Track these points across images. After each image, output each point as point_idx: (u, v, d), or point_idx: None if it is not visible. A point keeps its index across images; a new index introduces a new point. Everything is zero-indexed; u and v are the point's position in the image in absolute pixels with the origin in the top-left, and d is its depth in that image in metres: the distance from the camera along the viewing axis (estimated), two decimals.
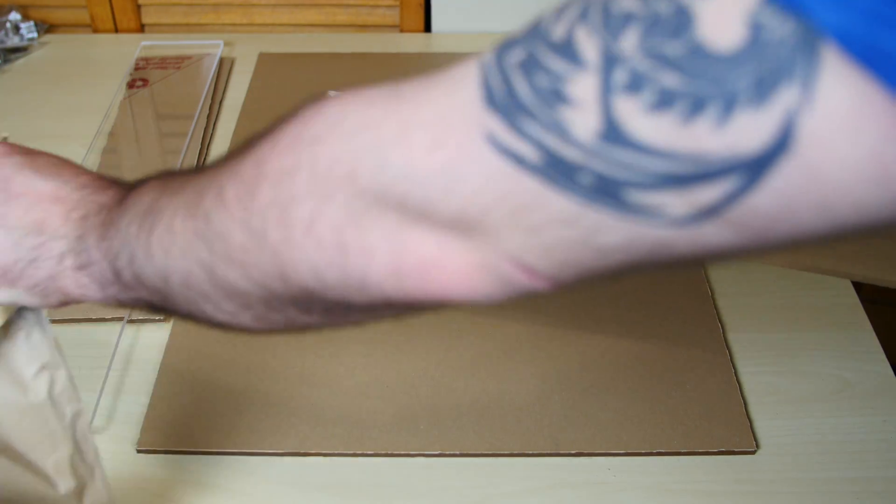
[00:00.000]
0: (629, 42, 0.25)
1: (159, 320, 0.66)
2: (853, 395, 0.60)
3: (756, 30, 0.23)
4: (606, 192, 0.26)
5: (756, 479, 0.55)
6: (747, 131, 0.23)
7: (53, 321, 0.65)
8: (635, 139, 0.25)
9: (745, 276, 0.70)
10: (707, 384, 0.60)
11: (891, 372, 0.62)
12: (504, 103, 0.27)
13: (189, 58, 1.00)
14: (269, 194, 0.33)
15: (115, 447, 0.57)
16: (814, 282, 0.69)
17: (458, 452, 0.56)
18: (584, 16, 0.26)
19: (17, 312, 0.46)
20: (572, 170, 0.26)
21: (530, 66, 0.27)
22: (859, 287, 0.68)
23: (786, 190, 0.24)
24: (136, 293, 0.40)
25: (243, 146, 0.35)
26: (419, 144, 0.30)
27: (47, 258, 0.41)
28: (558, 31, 0.27)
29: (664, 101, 0.24)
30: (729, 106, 0.23)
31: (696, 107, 0.24)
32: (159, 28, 1.08)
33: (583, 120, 0.25)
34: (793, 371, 0.62)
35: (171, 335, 0.64)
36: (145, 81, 0.95)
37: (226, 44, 1.03)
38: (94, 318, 0.66)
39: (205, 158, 0.84)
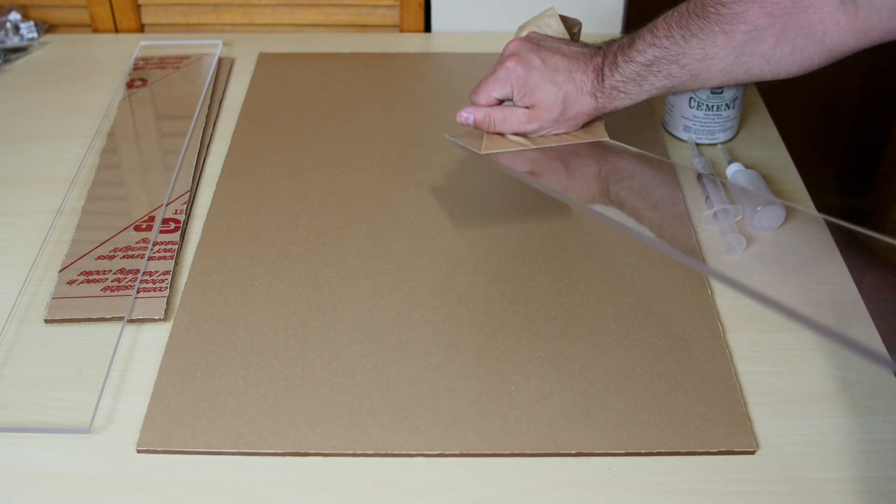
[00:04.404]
0: None
1: (159, 320, 0.66)
2: (853, 395, 0.60)
3: None
4: None
5: (756, 479, 0.55)
6: None
7: (54, 321, 0.65)
8: None
9: (744, 272, 0.70)
10: (707, 384, 0.60)
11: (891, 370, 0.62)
12: None
13: (188, 58, 1.00)
14: None
15: (115, 447, 0.57)
16: (814, 279, 0.69)
17: (458, 452, 0.56)
18: None
19: None
20: None
21: None
22: (860, 284, 0.68)
23: None
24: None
25: None
26: None
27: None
28: None
29: None
30: None
31: None
32: (159, 28, 1.08)
33: None
34: (793, 370, 0.62)
35: (171, 335, 0.64)
36: (144, 81, 0.96)
37: (225, 44, 1.03)
38: (94, 318, 0.66)
39: (204, 159, 0.84)
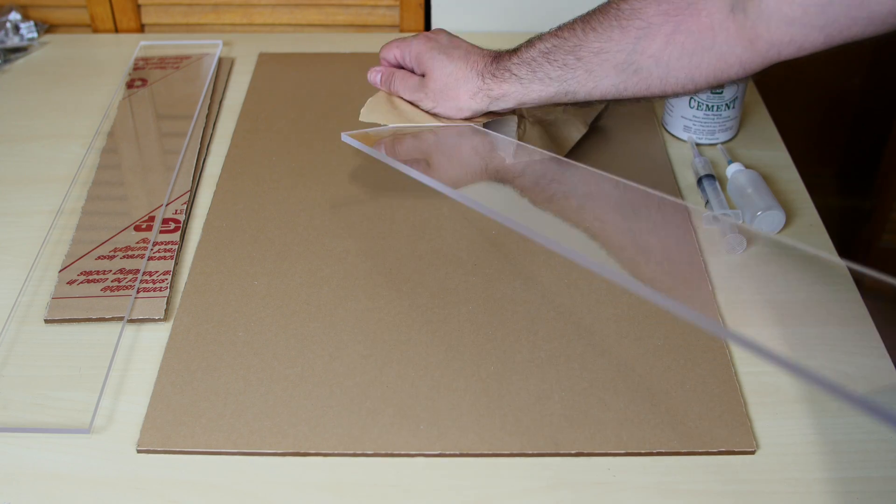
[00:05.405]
0: None
1: (159, 320, 0.66)
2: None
3: None
4: None
5: (756, 479, 0.55)
6: None
7: (54, 321, 0.65)
8: None
9: (745, 272, 0.70)
10: (707, 384, 0.60)
11: (892, 367, 0.61)
12: None
13: (188, 58, 1.00)
14: None
15: (115, 447, 0.57)
16: (814, 277, 0.69)
17: (458, 452, 0.56)
18: None
19: None
20: None
21: None
22: (860, 282, 0.68)
23: None
24: None
25: None
26: None
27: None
28: None
29: None
30: None
31: None
32: (159, 28, 1.08)
33: None
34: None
35: (171, 335, 0.64)
36: (144, 81, 0.96)
37: (225, 44, 1.03)
38: (94, 318, 0.66)
39: (204, 159, 0.84)
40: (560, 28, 0.70)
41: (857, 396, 0.39)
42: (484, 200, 0.66)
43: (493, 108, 0.73)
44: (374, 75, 0.78)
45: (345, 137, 0.75)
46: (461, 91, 0.73)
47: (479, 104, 0.73)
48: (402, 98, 0.78)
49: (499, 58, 0.72)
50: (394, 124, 0.76)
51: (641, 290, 0.50)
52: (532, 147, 0.75)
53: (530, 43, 0.71)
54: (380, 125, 0.77)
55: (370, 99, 0.78)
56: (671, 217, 0.71)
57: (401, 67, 0.78)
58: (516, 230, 0.60)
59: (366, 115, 0.77)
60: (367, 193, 0.79)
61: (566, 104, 0.73)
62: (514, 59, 0.71)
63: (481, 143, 0.74)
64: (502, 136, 0.76)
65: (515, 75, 0.70)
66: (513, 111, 0.76)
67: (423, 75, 0.75)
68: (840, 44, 0.58)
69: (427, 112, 0.76)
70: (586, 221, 0.65)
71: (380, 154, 0.71)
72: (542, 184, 0.72)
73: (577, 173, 0.72)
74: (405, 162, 0.69)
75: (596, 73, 0.67)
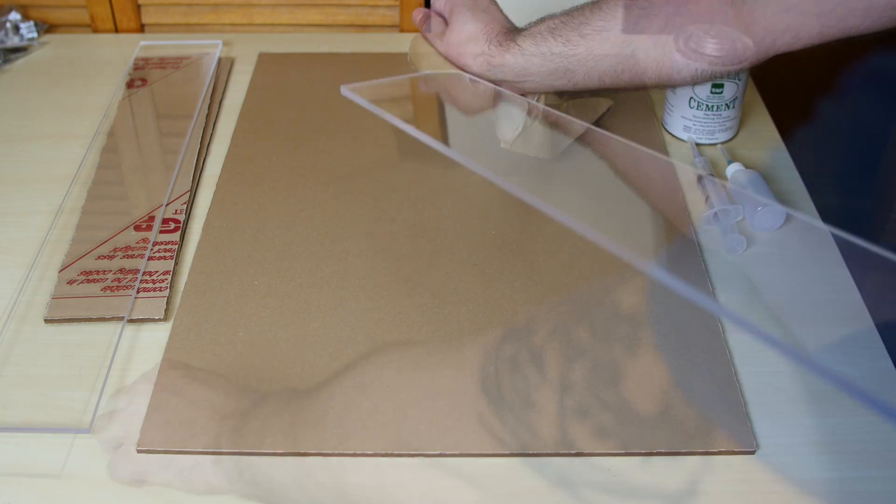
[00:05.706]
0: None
1: (159, 320, 0.66)
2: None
3: None
4: None
5: (756, 479, 0.55)
6: None
7: (54, 321, 0.65)
8: None
9: (745, 272, 0.70)
10: (707, 384, 0.60)
11: (892, 366, 0.61)
12: None
13: (188, 58, 1.00)
14: None
15: (115, 447, 0.57)
16: (814, 276, 0.69)
17: (457, 452, 0.56)
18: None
19: None
20: None
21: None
22: (861, 283, 0.68)
23: None
24: None
25: None
26: None
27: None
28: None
29: None
30: None
31: None
32: (159, 28, 1.08)
33: None
34: (793, 370, 0.62)
35: (171, 335, 0.64)
36: (144, 81, 0.96)
37: (225, 44, 1.03)
38: (94, 317, 0.66)
39: (204, 159, 0.84)
40: (571, 9, 0.72)
41: (849, 382, 0.40)
42: (484, 156, 0.68)
43: (492, 75, 0.74)
44: (417, 14, 0.81)
45: (344, 91, 0.75)
46: (467, 50, 0.74)
47: (479, 68, 0.74)
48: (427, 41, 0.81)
49: (513, 30, 0.75)
50: (424, 70, 0.80)
51: (626, 253, 0.52)
52: (541, 105, 0.77)
53: (541, 20, 0.73)
54: (385, 78, 0.80)
55: (412, 39, 0.83)
56: (661, 168, 0.76)
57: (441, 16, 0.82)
58: (517, 195, 0.60)
59: (410, 54, 0.82)
60: (367, 193, 0.79)
61: (567, 93, 0.74)
62: (523, 33, 0.73)
63: (486, 88, 0.76)
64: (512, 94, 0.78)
65: (519, 46, 0.72)
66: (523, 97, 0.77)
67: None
68: (837, 37, 0.58)
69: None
70: (582, 159, 0.69)
71: (377, 109, 0.72)
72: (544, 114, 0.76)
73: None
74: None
75: (596, 52, 0.69)
